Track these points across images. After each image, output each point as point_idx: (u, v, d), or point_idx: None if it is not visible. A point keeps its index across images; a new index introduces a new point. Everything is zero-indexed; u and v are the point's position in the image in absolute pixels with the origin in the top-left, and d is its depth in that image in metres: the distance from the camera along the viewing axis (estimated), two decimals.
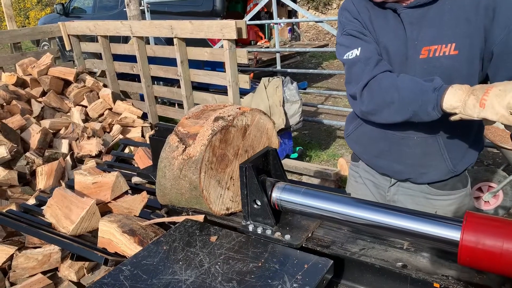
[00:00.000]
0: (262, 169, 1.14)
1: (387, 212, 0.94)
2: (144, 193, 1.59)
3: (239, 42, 7.67)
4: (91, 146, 3.98)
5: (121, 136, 4.39)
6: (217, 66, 5.35)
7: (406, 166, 1.56)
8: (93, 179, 1.72)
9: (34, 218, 1.65)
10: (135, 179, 1.71)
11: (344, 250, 0.99)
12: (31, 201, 2.88)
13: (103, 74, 5.41)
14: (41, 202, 1.78)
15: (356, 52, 1.44)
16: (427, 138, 1.48)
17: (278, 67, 6.17)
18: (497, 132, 3.22)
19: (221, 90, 4.96)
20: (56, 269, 2.37)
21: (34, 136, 3.81)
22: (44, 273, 2.32)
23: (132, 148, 3.83)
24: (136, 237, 1.29)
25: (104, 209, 1.65)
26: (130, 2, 5.55)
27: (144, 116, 4.82)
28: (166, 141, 1.17)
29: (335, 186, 4.09)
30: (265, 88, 4.29)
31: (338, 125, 5.35)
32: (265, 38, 8.66)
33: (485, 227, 0.81)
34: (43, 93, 4.63)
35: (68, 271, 2.31)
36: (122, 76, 5.45)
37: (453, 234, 0.84)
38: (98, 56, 5.51)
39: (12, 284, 2.30)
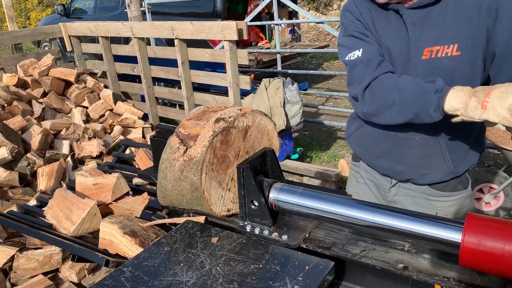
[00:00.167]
0: (260, 170, 1.14)
1: (384, 213, 0.94)
2: (145, 194, 1.59)
3: (240, 43, 7.66)
4: (92, 147, 3.98)
5: (122, 137, 4.40)
6: (217, 67, 5.36)
7: (407, 167, 1.56)
8: (94, 180, 1.72)
9: (35, 219, 1.65)
10: (136, 180, 1.71)
11: (345, 251, 0.99)
12: (32, 202, 2.88)
13: (104, 75, 5.41)
14: (42, 203, 1.78)
15: (358, 53, 1.44)
16: (429, 139, 1.48)
17: (279, 68, 6.17)
18: (498, 133, 3.22)
19: (222, 91, 4.97)
20: (57, 270, 2.37)
21: (35, 137, 3.81)
22: (45, 274, 2.32)
23: (133, 149, 3.84)
24: (137, 238, 1.29)
25: (105, 210, 1.65)
26: (131, 3, 5.56)
27: (145, 117, 4.82)
28: (167, 143, 1.17)
29: (335, 187, 4.09)
30: (266, 89, 4.29)
31: (339, 126, 5.35)
32: (265, 39, 8.66)
33: (486, 228, 0.80)
34: (44, 94, 4.64)
35: (69, 272, 2.31)
36: (123, 77, 5.45)
37: (454, 235, 0.84)
38: (99, 57, 5.52)
39: (13, 285, 2.30)
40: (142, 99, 5.39)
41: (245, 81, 3.96)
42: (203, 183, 1.07)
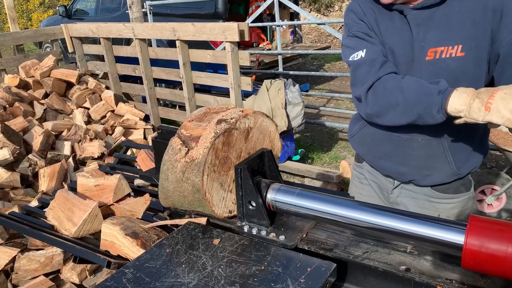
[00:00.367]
0: (258, 171, 1.15)
1: (382, 214, 0.94)
2: (147, 195, 1.59)
3: (241, 44, 7.67)
4: (93, 148, 3.98)
5: (123, 138, 4.40)
6: (219, 68, 5.36)
7: (410, 168, 1.56)
8: (96, 182, 1.72)
9: (36, 220, 1.65)
10: (138, 182, 1.71)
11: (347, 253, 0.98)
12: (34, 203, 2.88)
13: (105, 76, 5.42)
14: (44, 204, 1.78)
15: (361, 53, 1.44)
16: (432, 141, 1.48)
17: (280, 69, 6.17)
18: (500, 134, 3.21)
19: (223, 92, 4.97)
20: (58, 271, 2.37)
21: (36, 138, 3.81)
22: (46, 275, 2.32)
23: (134, 150, 3.84)
24: (139, 240, 1.28)
25: (107, 212, 1.65)
26: (132, 4, 5.57)
27: (146, 118, 4.83)
28: (169, 144, 1.16)
29: (337, 188, 4.08)
30: (267, 91, 4.29)
31: (340, 127, 5.35)
32: (267, 40, 8.67)
33: (489, 230, 0.80)
34: (46, 95, 4.64)
35: (70, 273, 2.31)
36: (124, 78, 5.46)
37: (457, 237, 0.83)
38: (100, 58, 5.52)
39: (14, 286, 2.30)
40: (144, 100, 5.40)
41: (247, 82, 3.96)
42: (205, 185, 1.07)
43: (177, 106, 6.06)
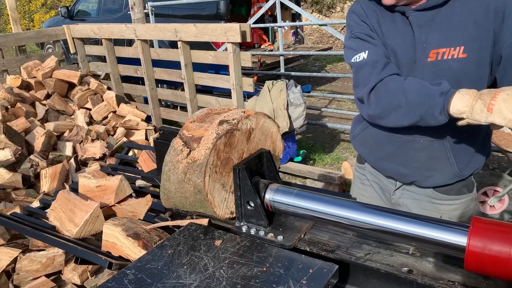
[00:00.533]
0: (256, 171, 1.15)
1: (380, 214, 0.94)
2: (148, 196, 1.59)
3: (243, 45, 7.67)
4: (95, 149, 3.99)
5: (125, 139, 4.40)
6: (221, 69, 5.36)
7: (411, 169, 1.55)
8: (97, 183, 1.72)
9: (38, 221, 1.65)
10: (139, 182, 1.71)
11: (349, 254, 0.98)
12: (35, 204, 2.88)
13: (107, 77, 5.42)
14: (45, 205, 1.79)
15: (363, 55, 1.44)
16: (434, 142, 1.47)
17: (282, 70, 6.17)
18: (502, 136, 3.21)
19: (225, 93, 4.97)
20: (60, 272, 2.37)
21: (38, 139, 3.82)
22: (47, 276, 2.32)
23: (136, 151, 3.84)
24: (140, 241, 1.28)
25: (108, 213, 1.65)
26: (134, 5, 5.57)
27: (148, 119, 4.83)
28: (171, 145, 1.16)
29: (339, 189, 4.08)
30: (269, 91, 4.29)
31: (342, 128, 5.34)
32: (269, 41, 8.67)
33: (492, 232, 0.80)
34: (48, 96, 4.65)
35: (72, 274, 2.31)
36: (126, 79, 5.46)
37: (459, 239, 0.83)
38: (102, 59, 5.53)
39: (16, 287, 2.30)
40: (145, 101, 5.40)
41: (248, 83, 3.96)
42: (207, 186, 1.07)
43: (179, 107, 6.07)
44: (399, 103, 1.33)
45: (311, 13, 14.03)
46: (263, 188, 1.10)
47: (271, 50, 7.84)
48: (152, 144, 4.10)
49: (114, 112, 4.75)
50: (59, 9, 10.24)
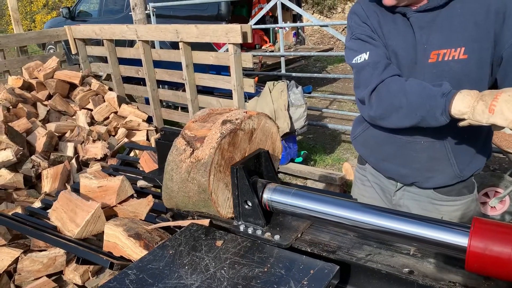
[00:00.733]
0: (254, 171, 1.15)
1: (378, 214, 0.94)
2: (150, 196, 1.59)
3: (244, 46, 7.68)
4: (96, 149, 3.99)
5: (126, 140, 4.41)
6: (222, 70, 5.36)
7: (412, 170, 1.55)
8: (99, 183, 1.72)
9: (39, 221, 1.66)
10: (141, 183, 1.72)
11: (350, 255, 0.98)
12: (37, 204, 2.89)
13: (108, 77, 5.43)
14: (47, 205, 1.79)
15: (364, 56, 1.44)
16: (435, 143, 1.47)
17: (283, 71, 6.17)
18: (503, 137, 3.20)
19: (226, 94, 4.97)
20: (61, 272, 2.37)
21: (39, 139, 3.82)
22: (49, 276, 2.32)
23: (137, 151, 3.84)
24: (142, 241, 1.29)
25: (110, 213, 1.65)
26: (135, 6, 5.58)
27: (149, 120, 4.84)
28: (173, 144, 1.16)
29: (340, 190, 4.08)
30: (270, 92, 4.29)
31: (343, 129, 5.34)
32: (270, 42, 8.67)
33: (493, 233, 0.80)
34: (49, 97, 4.65)
35: (73, 274, 2.31)
36: (127, 80, 5.47)
37: (460, 240, 0.83)
38: (103, 59, 5.53)
39: (17, 287, 2.31)
40: (147, 101, 5.40)
41: (249, 84, 3.96)
42: (211, 185, 1.07)
43: (180, 108, 6.07)
44: (400, 104, 1.33)
45: (312, 14, 14.03)
46: (261, 187, 1.10)
47: (272, 51, 7.85)
48: (153, 145, 4.11)
49: (116, 112, 4.75)
50: (60, 9, 10.25)
